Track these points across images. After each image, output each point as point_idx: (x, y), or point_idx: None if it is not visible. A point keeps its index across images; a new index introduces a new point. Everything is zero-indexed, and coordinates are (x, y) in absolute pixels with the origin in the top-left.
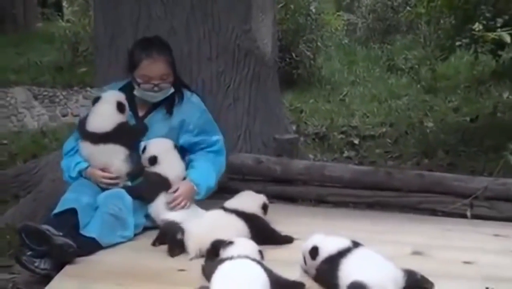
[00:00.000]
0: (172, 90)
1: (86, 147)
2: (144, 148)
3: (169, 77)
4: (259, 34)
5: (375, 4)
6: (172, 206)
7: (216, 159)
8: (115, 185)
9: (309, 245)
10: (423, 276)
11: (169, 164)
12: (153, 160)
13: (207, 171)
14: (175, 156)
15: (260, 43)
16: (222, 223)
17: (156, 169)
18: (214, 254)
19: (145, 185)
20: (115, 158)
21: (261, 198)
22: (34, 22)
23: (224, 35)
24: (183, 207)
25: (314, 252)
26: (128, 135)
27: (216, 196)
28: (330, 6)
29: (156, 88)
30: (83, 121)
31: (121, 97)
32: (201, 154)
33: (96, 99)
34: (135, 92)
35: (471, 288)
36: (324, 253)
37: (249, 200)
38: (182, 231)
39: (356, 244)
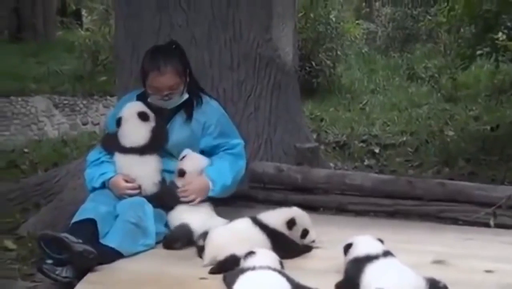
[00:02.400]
0: (186, 96)
1: (120, 159)
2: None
3: (179, 86)
4: (280, 43)
5: (394, 12)
6: (181, 197)
7: (235, 161)
8: (137, 194)
9: (347, 241)
10: (446, 286)
11: None
12: (182, 173)
13: (224, 169)
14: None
15: (281, 52)
16: (244, 235)
17: (181, 182)
18: (225, 268)
19: (164, 193)
20: (150, 168)
21: (290, 214)
22: (53, 31)
23: (245, 44)
24: (191, 201)
25: (346, 248)
26: (162, 139)
27: (238, 204)
28: (350, 14)
29: (166, 98)
30: (112, 138)
31: (139, 106)
32: (221, 154)
33: (118, 121)
34: (149, 100)
35: None
36: (353, 253)
37: (277, 214)
38: (203, 236)
39: (386, 253)
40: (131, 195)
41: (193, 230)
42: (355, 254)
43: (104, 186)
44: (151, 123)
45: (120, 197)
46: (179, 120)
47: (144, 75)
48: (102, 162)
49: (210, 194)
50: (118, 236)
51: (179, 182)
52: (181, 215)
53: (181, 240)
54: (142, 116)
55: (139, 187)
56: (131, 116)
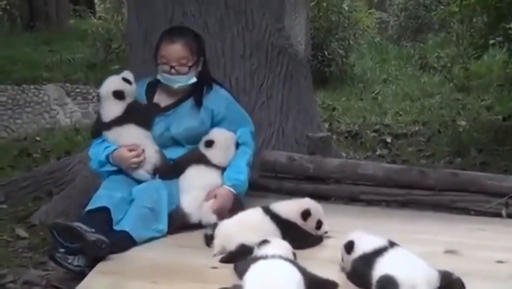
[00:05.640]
0: (194, 78)
1: (108, 135)
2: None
3: (188, 61)
4: (293, 32)
5: (407, 2)
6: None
7: (243, 151)
8: (142, 160)
9: (346, 240)
10: (459, 278)
11: (223, 153)
12: (209, 143)
13: (236, 165)
14: (231, 148)
15: (294, 41)
16: (253, 225)
17: (208, 152)
18: (236, 257)
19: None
20: (138, 138)
21: (305, 204)
22: (66, 20)
23: (257, 33)
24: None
25: (349, 246)
26: (140, 113)
27: (249, 193)
28: (362, 4)
29: (173, 71)
30: (98, 118)
31: (115, 85)
32: None
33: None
34: (158, 76)
35: (504, 287)
36: (359, 250)
37: (291, 205)
38: (212, 225)
39: (392, 244)
40: (136, 163)
41: (187, 213)
42: (361, 250)
43: (108, 161)
44: (127, 101)
45: (131, 176)
46: (188, 108)
47: (156, 48)
48: (104, 140)
49: (239, 194)
50: (131, 220)
51: (206, 152)
52: (189, 183)
53: (177, 225)
54: (117, 95)
55: (143, 151)
56: (107, 96)
